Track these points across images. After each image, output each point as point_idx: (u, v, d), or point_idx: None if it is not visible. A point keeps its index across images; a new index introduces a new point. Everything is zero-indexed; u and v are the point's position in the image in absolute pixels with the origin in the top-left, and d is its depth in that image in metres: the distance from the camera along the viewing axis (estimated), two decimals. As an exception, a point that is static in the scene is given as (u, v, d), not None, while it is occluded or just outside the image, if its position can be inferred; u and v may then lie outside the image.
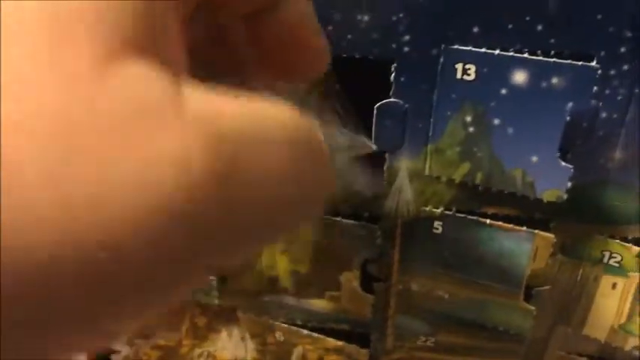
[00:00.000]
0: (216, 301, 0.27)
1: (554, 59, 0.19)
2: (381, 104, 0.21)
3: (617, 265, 0.24)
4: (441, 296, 0.25)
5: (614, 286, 0.24)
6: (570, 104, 0.20)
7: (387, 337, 0.27)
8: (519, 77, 0.20)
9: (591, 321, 0.25)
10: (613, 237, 0.23)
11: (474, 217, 0.23)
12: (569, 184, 0.21)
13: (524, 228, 0.23)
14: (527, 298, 0.25)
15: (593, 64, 0.19)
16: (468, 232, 0.24)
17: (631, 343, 0.25)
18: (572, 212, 0.23)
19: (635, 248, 0.23)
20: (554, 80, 0.19)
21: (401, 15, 0.20)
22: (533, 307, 0.24)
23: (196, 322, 0.28)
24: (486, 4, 0.19)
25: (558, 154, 0.20)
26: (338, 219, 0.24)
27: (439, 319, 0.26)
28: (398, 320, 0.27)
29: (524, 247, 0.23)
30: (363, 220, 0.24)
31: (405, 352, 0.28)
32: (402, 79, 0.21)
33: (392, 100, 0.21)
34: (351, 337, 0.28)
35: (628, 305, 0.24)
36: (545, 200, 0.21)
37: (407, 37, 0.20)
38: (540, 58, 0.19)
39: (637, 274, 0.23)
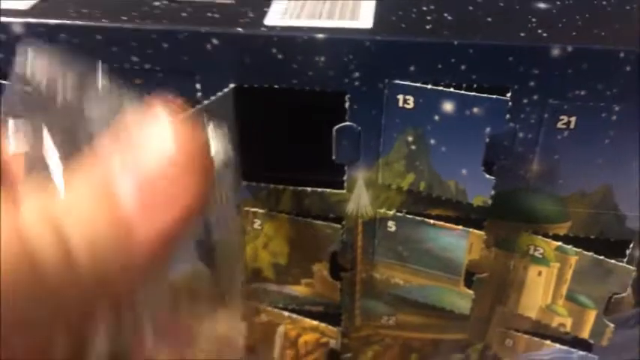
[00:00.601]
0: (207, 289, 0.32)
1: (474, 93, 0.24)
2: (339, 127, 0.26)
3: (540, 256, 0.29)
4: (398, 283, 0.31)
5: (539, 273, 0.29)
6: (488, 129, 0.24)
7: (355, 317, 0.33)
8: (448, 106, 0.25)
9: (523, 302, 0.30)
10: (536, 233, 0.28)
11: (420, 218, 0.28)
12: (493, 192, 0.26)
13: (460, 227, 0.28)
14: (469, 283, 0.30)
15: (506, 97, 0.24)
16: (416, 230, 0.29)
17: (557, 320, 0.30)
18: (499, 213, 0.28)
19: (554, 243, 0.28)
20: (475, 109, 0.24)
21: (351, 56, 0.25)
22: (471, 292, 0.29)
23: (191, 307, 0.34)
24: (420, 48, 0.24)
25: (482, 168, 0.25)
26: (309, 220, 0.29)
27: (397, 301, 0.31)
28: (363, 303, 0.32)
29: (461, 242, 0.28)
30: (329, 221, 0.29)
31: (371, 329, 0.33)
32: (355, 106, 0.26)
33: (348, 123, 0.26)
34: (324, 318, 0.33)
35: (552, 289, 0.29)
36: (474, 204, 0.26)
37: (357, 74, 0.25)
38: (463, 92, 0.24)
39: (557, 264, 0.29)
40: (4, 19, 0.26)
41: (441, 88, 0.24)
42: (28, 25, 0.26)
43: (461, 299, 0.30)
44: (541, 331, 0.32)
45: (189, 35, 0.25)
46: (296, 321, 0.33)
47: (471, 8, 0.26)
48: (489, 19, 0.25)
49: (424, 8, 0.26)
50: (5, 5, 0.27)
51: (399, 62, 0.24)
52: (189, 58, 0.25)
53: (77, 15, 0.26)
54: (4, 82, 0.26)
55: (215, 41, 0.25)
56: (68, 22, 0.26)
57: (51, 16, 0.26)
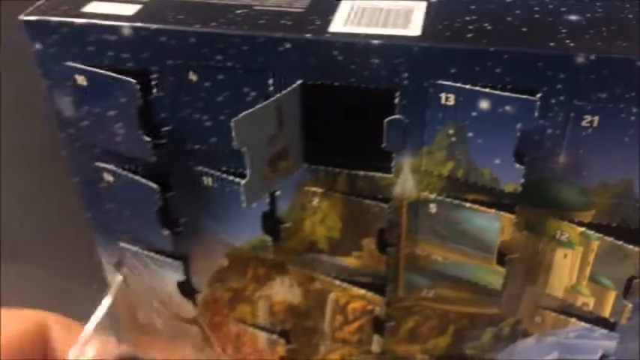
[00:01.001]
0: (271, 257, 0.37)
1: (507, 93, 0.28)
2: (390, 119, 0.31)
3: (566, 240, 0.32)
4: (437, 259, 0.35)
5: (565, 256, 0.33)
6: (519, 125, 0.28)
7: (398, 289, 0.38)
8: (484, 104, 0.29)
9: (551, 282, 0.34)
10: (563, 219, 0.32)
11: (458, 201, 0.33)
12: (523, 180, 0.30)
13: (493, 210, 0.32)
14: (501, 263, 0.34)
15: (536, 97, 0.28)
16: (454, 212, 0.33)
17: (580, 300, 0.34)
18: (529, 200, 0.32)
19: (578, 228, 0.32)
20: (508, 107, 0.28)
21: (401, 59, 0.29)
22: (503, 269, 0.34)
23: (258, 271, 0.39)
24: (461, 54, 0.29)
25: (514, 159, 0.30)
26: (360, 199, 0.34)
27: (436, 276, 0.36)
28: (406, 276, 0.37)
29: (494, 224, 0.32)
30: (378, 201, 0.34)
31: (412, 300, 0.38)
32: (404, 102, 0.30)
33: (397, 116, 0.31)
34: (371, 287, 0.38)
35: (576, 271, 0.33)
36: (506, 191, 0.31)
37: (406, 74, 0.30)
38: (498, 92, 0.28)
39: (581, 247, 0.32)
40: (115, 22, 0.32)
41: (478, 88, 0.29)
42: (135, 28, 0.32)
43: (493, 275, 0.34)
44: (567, 309, 0.35)
45: (265, 40, 0.30)
46: (346, 289, 0.38)
47: (509, 19, 0.30)
48: (524, 29, 0.29)
49: (467, 19, 0.30)
50: (112, 11, 0.33)
51: (442, 65, 0.29)
52: (264, 58, 0.31)
53: (174, 20, 0.32)
54: (116, 75, 0.32)
55: (287, 45, 0.30)
56: (168, 26, 0.31)
57: (153, 21, 0.32)
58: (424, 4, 0.32)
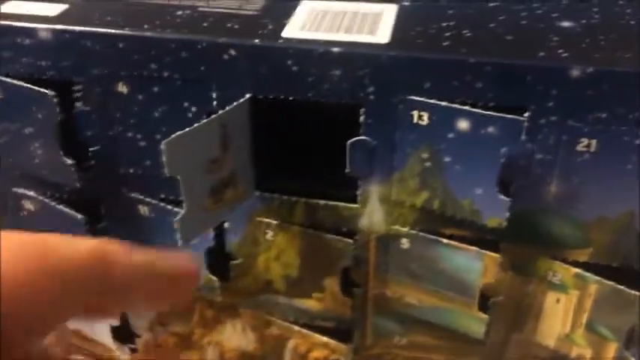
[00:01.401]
0: (219, 299, 0.33)
1: (489, 112, 0.24)
2: (353, 140, 0.27)
3: (559, 282, 0.29)
4: (411, 302, 0.31)
5: (557, 300, 0.29)
6: (504, 148, 0.25)
7: (366, 335, 0.33)
8: (463, 124, 0.25)
9: (541, 329, 0.30)
10: (555, 258, 0.28)
11: (434, 237, 0.29)
12: (508, 214, 0.26)
13: (475, 248, 0.28)
14: (484, 307, 0.30)
15: (522, 117, 0.24)
16: (429, 249, 0.29)
17: (575, 351, 0.30)
18: (516, 236, 0.28)
19: (573, 269, 0.28)
20: (490, 129, 0.25)
21: (366, 70, 0.25)
22: (485, 316, 0.29)
23: (205, 314, 0.35)
24: (435, 65, 0.25)
25: (497, 189, 0.26)
26: (321, 233, 0.30)
27: (410, 321, 0.32)
28: (375, 321, 0.32)
29: (475, 264, 0.28)
30: (342, 235, 0.30)
31: (382, 348, 0.34)
32: (369, 121, 0.26)
33: (362, 137, 0.27)
34: (335, 334, 0.33)
35: (570, 318, 0.29)
36: (489, 226, 0.27)
37: (371, 88, 0.26)
38: (478, 110, 0.25)
39: (576, 291, 0.28)
40: (31, 24, 0.27)
41: (456, 105, 0.25)
42: (54, 31, 0.27)
43: (475, 323, 0.30)
44: (559, 360, 0.31)
45: (207, 45, 0.26)
46: (306, 336, 0.34)
47: (492, 25, 0.27)
48: (509, 37, 0.26)
49: (444, 24, 0.27)
50: (32, 11, 0.29)
51: (414, 78, 0.25)
52: (206, 67, 0.27)
53: (101, 23, 0.28)
54: (30, 86, 0.28)
55: (232, 52, 0.26)
56: (92, 29, 0.27)
57: (76, 23, 0.27)
58: (394, 8, 0.28)
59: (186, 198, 0.26)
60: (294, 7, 0.29)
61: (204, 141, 0.26)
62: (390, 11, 0.28)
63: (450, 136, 0.25)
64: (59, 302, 0.16)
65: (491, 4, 0.29)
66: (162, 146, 0.24)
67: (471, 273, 0.29)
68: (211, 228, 0.30)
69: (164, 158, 0.24)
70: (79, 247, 0.16)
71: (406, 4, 0.29)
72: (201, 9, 0.29)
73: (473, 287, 0.29)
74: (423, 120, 0.26)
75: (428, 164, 0.27)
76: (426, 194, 0.28)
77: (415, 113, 0.26)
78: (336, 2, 0.29)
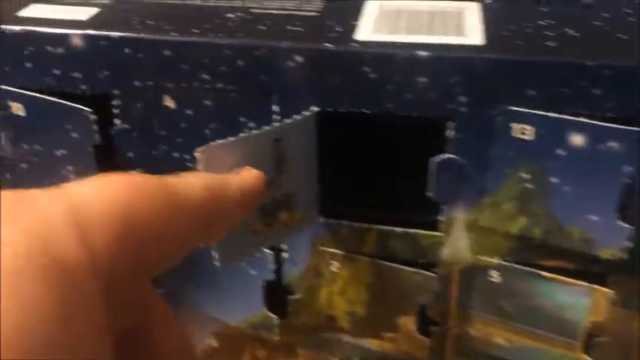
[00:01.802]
0: (277, 337, 0.30)
1: (610, 124, 0.21)
2: (439, 159, 0.24)
3: (680, 321, 0.25)
4: (498, 343, 0.27)
5: (677, 341, 0.25)
6: (626, 167, 0.21)
7: (443, 379, 0.30)
8: (576, 139, 0.21)
9: (654, 375, 0.27)
10: (676, 293, 0.25)
11: (531, 269, 0.25)
12: (628, 243, 0.22)
13: (583, 282, 0.24)
14: (586, 347, 0.26)
15: (652, 129, 0.21)
16: (525, 283, 0.25)
17: (696, 399, 0.26)
18: (633, 269, 0.24)
19: (699, 306, 0.24)
20: (611, 143, 0.21)
21: (458, 77, 0.22)
22: (591, 359, 0.26)
23: (256, 354, 0.32)
24: (543, 69, 0.21)
25: (617, 215, 0.22)
26: (396, 265, 0.27)
27: (496, 364, 0.28)
28: (454, 363, 0.29)
29: (583, 301, 0.25)
30: (420, 267, 0.26)
31: (462, 395, 0.30)
32: (459, 136, 0.23)
33: (448, 155, 0.23)
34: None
35: (693, 362, 0.26)
36: (602, 257, 0.23)
37: (463, 98, 0.22)
38: (597, 122, 0.21)
39: (702, 331, 0.25)
40: (61, 30, 0.24)
41: (567, 116, 0.21)
42: (88, 37, 0.24)
43: (577, 367, 0.26)
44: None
45: (268, 51, 0.23)
46: (374, 379, 0.30)
47: (596, 23, 0.23)
48: (621, 35, 0.22)
49: (541, 22, 0.23)
50: (59, 15, 0.26)
51: (515, 85, 0.22)
52: (267, 77, 0.23)
53: (142, 27, 0.24)
54: (64, 102, 0.25)
55: (298, 58, 0.23)
56: (133, 34, 0.24)
57: (113, 28, 0.24)
58: (476, 6, 0.25)
59: None
60: (360, 7, 0.25)
61: (252, 155, 0.22)
62: (472, 9, 0.25)
63: (559, 152, 0.22)
64: (181, 235, 0.16)
65: (586, 1, 0.25)
66: (197, 154, 0.21)
67: (577, 311, 0.25)
68: (257, 253, 0.26)
69: (199, 167, 0.21)
70: (195, 184, 0.17)
71: (489, 1, 0.26)
72: (254, 10, 0.26)
73: (578, 327, 0.25)
74: (525, 134, 0.22)
75: (529, 186, 0.23)
76: (523, 221, 0.24)
77: (516, 126, 0.22)
78: (407, 1, 0.26)
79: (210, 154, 0.21)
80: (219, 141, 0.21)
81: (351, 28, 0.24)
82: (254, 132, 0.22)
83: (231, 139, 0.21)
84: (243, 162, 0.22)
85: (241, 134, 0.22)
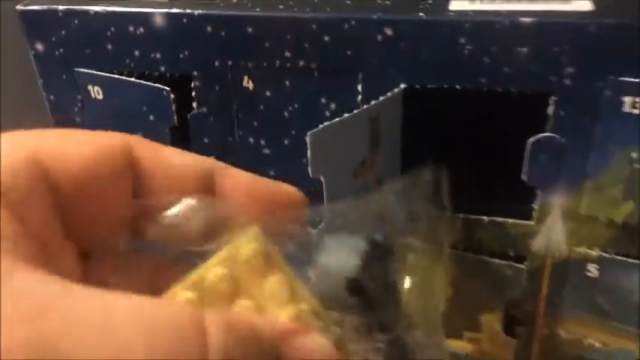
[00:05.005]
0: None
1: None
2: (536, 139, 0.21)
3: None
4: (592, 344, 0.24)
5: None
6: None
7: (527, 386, 0.26)
8: (698, 111, 0.18)
9: None
10: None
11: (636, 261, 0.22)
12: None
13: (697, 275, 0.21)
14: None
15: None
16: (626, 278, 0.22)
17: None
18: None
19: None
20: None
21: (565, 47, 0.19)
22: (702, 364, 0.22)
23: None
24: (661, 34, 0.18)
25: None
26: (482, 257, 0.23)
27: (588, 369, 0.25)
28: (541, 368, 0.25)
29: (695, 297, 0.21)
30: (508, 259, 0.23)
31: (547, 403, 0.26)
32: (562, 112, 0.20)
33: (548, 134, 0.21)
34: (488, 383, 0.26)
35: None
36: None
37: (570, 70, 0.19)
38: None
39: None
40: (143, 9, 0.22)
41: (688, 86, 0.18)
42: (170, 15, 0.22)
43: (684, 372, 0.23)
44: None
45: (357, 24, 0.21)
46: (452, 384, 0.27)
47: None
48: None
49: (652, -9, 0.20)
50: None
51: (628, 53, 0.19)
52: (353, 53, 0.21)
53: (225, 5, 0.22)
54: (144, 82, 0.23)
55: (388, 31, 0.20)
56: (215, 11, 0.22)
57: (195, 6, 0.22)
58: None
59: (329, 205, 0.20)
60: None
61: (352, 137, 0.20)
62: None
63: (677, 127, 0.19)
64: None
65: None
66: (308, 138, 0.18)
67: (687, 308, 0.21)
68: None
69: (309, 153, 0.19)
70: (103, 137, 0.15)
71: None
72: (337, -11, 0.23)
73: (687, 326, 0.22)
74: (637, 108, 0.19)
75: (638, 166, 0.20)
76: (630, 206, 0.21)
77: (628, 100, 0.19)
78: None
79: (320, 136, 0.19)
80: (327, 123, 0.19)
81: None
82: (353, 112, 0.20)
83: (336, 120, 0.19)
84: (345, 142, 0.20)
85: (345, 115, 0.19)
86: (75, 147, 0.15)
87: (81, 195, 0.15)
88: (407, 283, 0.17)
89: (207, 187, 0.17)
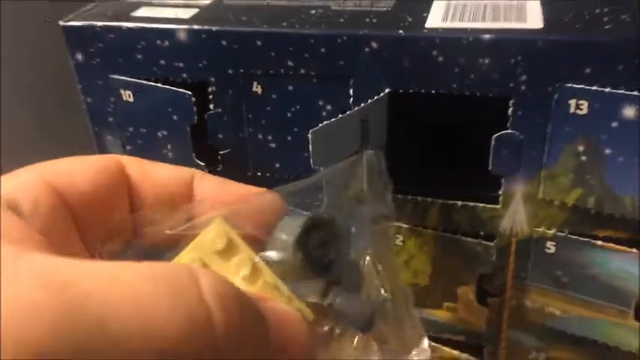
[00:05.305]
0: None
1: (663, 96, 0.21)
2: (499, 135, 0.24)
3: None
4: (553, 313, 0.28)
5: None
6: (679, 136, 0.22)
7: (499, 351, 0.30)
8: (629, 111, 0.22)
9: None
10: None
11: (586, 239, 0.25)
12: (680, 210, 0.23)
13: (635, 250, 0.25)
14: (639, 315, 0.26)
15: (702, 100, 0.21)
16: (579, 253, 0.26)
17: None
18: (683, 237, 0.24)
19: None
20: (663, 114, 0.22)
21: (519, 58, 0.23)
22: (643, 326, 0.26)
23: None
24: (599, 48, 0.22)
25: (668, 182, 0.22)
26: (458, 236, 0.27)
27: (550, 334, 0.28)
28: (510, 334, 0.29)
29: (635, 268, 0.25)
30: (480, 239, 0.27)
31: (516, 365, 0.30)
32: (519, 113, 0.24)
33: (509, 131, 0.24)
34: (465, 348, 0.30)
35: None
36: (655, 224, 0.23)
37: (524, 77, 0.23)
38: (649, 94, 0.22)
39: None
40: (168, 26, 0.26)
41: (621, 91, 0.22)
42: (191, 31, 0.26)
43: (628, 334, 0.26)
44: None
45: (348, 39, 0.24)
46: (434, 349, 0.30)
47: (651, 10, 0.24)
48: (676, 19, 0.23)
49: (597, 11, 0.24)
50: (167, 14, 0.28)
51: (573, 64, 0.22)
52: (345, 62, 0.25)
53: (237, 22, 0.26)
54: (169, 87, 0.27)
55: (374, 44, 0.24)
56: (230, 28, 0.26)
57: (212, 24, 0.26)
58: (536, 1, 0.26)
59: (328, 195, 0.24)
60: (429, 3, 0.27)
61: (346, 134, 0.24)
62: (534, 3, 0.26)
63: (613, 125, 0.23)
64: None
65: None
66: (310, 135, 0.22)
67: (629, 278, 0.25)
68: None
69: (310, 148, 0.22)
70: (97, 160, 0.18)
71: (547, -3, 0.27)
72: (333, 8, 0.27)
73: (630, 295, 0.25)
74: (581, 109, 0.23)
75: (584, 158, 0.24)
76: (579, 191, 0.24)
77: (572, 102, 0.23)
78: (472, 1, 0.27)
79: (320, 133, 0.23)
80: (325, 122, 0.23)
81: (422, 19, 0.25)
82: (347, 113, 0.24)
83: (332, 120, 0.23)
84: (340, 138, 0.24)
85: (340, 115, 0.23)
86: (78, 167, 0.17)
87: (87, 208, 0.17)
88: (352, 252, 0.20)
89: (188, 194, 0.19)
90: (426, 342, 0.21)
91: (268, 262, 0.17)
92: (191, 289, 0.13)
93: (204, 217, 0.18)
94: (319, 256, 0.18)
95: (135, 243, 0.19)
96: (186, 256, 0.17)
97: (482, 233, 0.27)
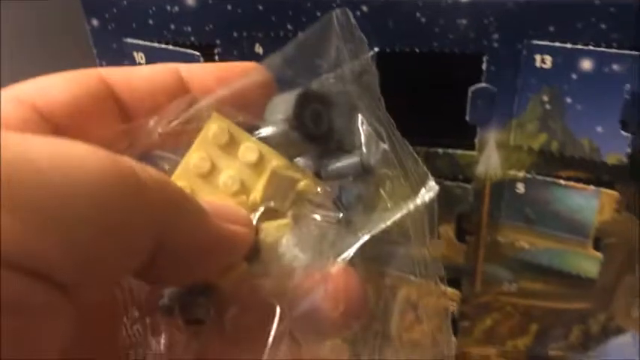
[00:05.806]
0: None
1: (615, 50, 0.25)
2: (475, 88, 0.28)
3: (674, 220, 0.28)
4: (523, 246, 0.31)
5: (672, 239, 0.29)
6: (628, 86, 0.25)
7: (475, 282, 0.33)
8: (586, 64, 0.25)
9: (654, 270, 0.30)
10: (671, 197, 0.28)
11: (551, 179, 0.29)
12: (629, 150, 0.26)
13: (591, 187, 0.28)
14: (597, 248, 0.30)
15: (647, 53, 0.24)
16: (545, 192, 0.29)
17: (689, 289, 0.30)
18: (635, 175, 0.28)
19: (690, 206, 0.28)
20: (615, 66, 0.25)
21: (492, 18, 0.26)
22: (599, 254, 0.29)
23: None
24: (561, 8, 0.25)
25: (619, 125, 0.26)
26: (439, 180, 0.30)
27: (520, 266, 0.32)
28: (485, 268, 0.33)
29: (592, 203, 0.28)
30: (458, 182, 0.30)
31: (491, 296, 0.34)
32: (492, 68, 0.27)
33: (483, 85, 0.27)
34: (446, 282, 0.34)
35: (685, 256, 0.29)
36: (609, 163, 0.27)
37: (496, 36, 0.26)
38: (604, 49, 0.25)
39: (692, 228, 0.28)
40: (178, -7, 0.29)
41: (579, 46, 0.25)
42: (199, -2, 0.29)
43: (588, 262, 0.30)
44: (670, 302, 0.31)
45: (341, 2, 0.27)
46: (419, 284, 0.34)
47: (607, -25, 0.27)
48: (628, -17, 0.26)
49: (561, -24, 0.27)
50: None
51: (538, 23, 0.26)
52: (339, 24, 0.28)
53: (240, -11, 0.29)
54: (178, 48, 0.30)
55: (364, 8, 0.27)
56: (234, -6, 0.29)
57: (218, -9, 0.29)
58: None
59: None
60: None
61: None
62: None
63: (573, 77, 0.26)
64: None
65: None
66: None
67: (587, 212, 0.29)
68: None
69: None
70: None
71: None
72: (326, -24, 0.30)
73: (588, 226, 0.29)
74: (545, 63, 0.26)
75: (548, 107, 0.27)
76: (544, 136, 0.28)
77: (538, 57, 0.26)
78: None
79: None
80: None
81: (405, -14, 0.28)
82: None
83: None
84: None
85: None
86: (53, 80, 0.17)
87: (69, 119, 0.16)
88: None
89: (178, 89, 0.18)
90: (432, 179, 0.21)
91: (266, 143, 0.18)
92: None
93: (193, 109, 0.18)
94: (315, 128, 0.18)
95: (129, 150, 0.18)
96: (194, 155, 0.17)
97: (460, 177, 0.30)
